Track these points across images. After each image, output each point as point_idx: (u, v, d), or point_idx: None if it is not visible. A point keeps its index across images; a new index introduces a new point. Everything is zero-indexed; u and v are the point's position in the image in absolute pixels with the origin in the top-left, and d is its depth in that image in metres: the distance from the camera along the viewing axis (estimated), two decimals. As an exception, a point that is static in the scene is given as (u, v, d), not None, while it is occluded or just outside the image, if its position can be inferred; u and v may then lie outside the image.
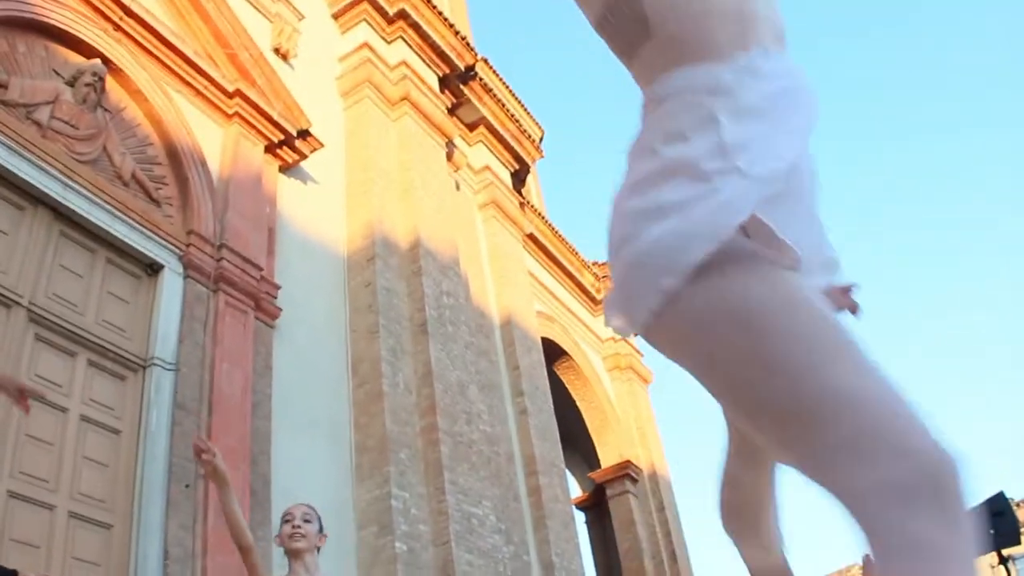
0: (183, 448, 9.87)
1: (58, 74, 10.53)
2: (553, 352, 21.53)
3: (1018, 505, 56.88)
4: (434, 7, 17.78)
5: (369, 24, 16.79)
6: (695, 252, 1.38)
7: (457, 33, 18.44)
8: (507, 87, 20.50)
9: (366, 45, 16.46)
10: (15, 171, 9.40)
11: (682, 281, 1.39)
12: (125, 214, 10.51)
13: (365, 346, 13.63)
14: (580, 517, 24.32)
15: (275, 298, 12.17)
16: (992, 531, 10.78)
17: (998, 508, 10.97)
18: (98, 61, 10.87)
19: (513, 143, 20.82)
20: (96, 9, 11.00)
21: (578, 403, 23.36)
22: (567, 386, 22.98)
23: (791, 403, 1.30)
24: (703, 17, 1.54)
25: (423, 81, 17.26)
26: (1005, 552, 11.47)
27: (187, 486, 9.76)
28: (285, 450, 11.55)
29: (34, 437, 8.74)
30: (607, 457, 23.48)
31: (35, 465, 8.65)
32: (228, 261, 11.37)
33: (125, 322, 10.28)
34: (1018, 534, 11.60)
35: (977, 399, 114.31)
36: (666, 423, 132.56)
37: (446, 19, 18.15)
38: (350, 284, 14.21)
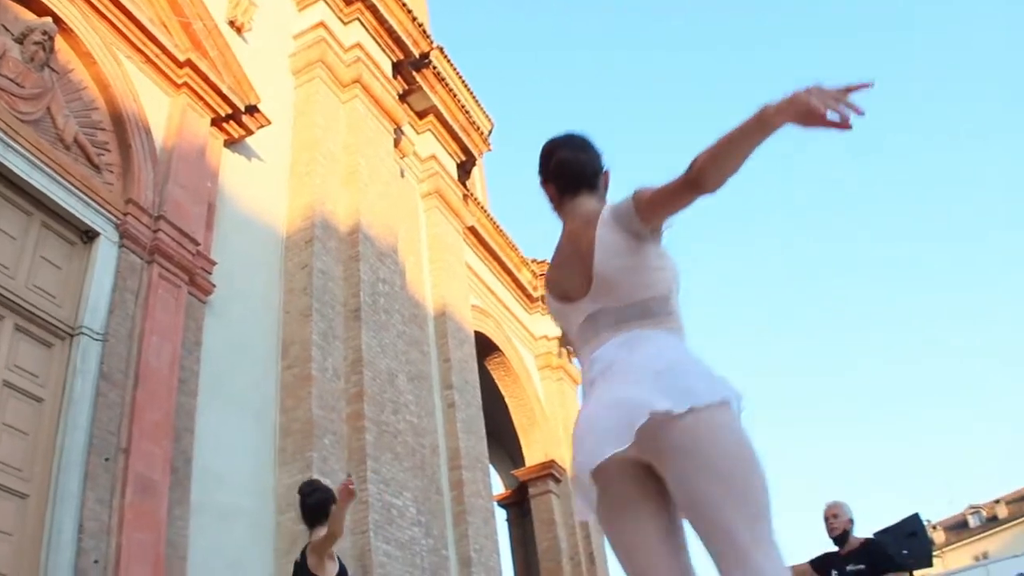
0: (106, 420, 9.71)
1: (7, 30, 10.26)
2: (485, 347, 21.57)
3: (934, 527, 58.34)
4: (393, -8, 17.71)
5: (327, 3, 16.66)
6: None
7: (415, 19, 18.37)
8: (460, 77, 20.48)
9: (322, 24, 16.33)
10: (-46, 126, 9.21)
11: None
12: (64, 178, 10.29)
13: (297, 328, 13.53)
14: (501, 514, 24.42)
15: (210, 274, 12.01)
16: (905, 552, 11.02)
17: (912, 529, 11.19)
18: (49, 19, 10.63)
19: (461, 134, 20.78)
20: (50, -35, 10.78)
21: (507, 400, 23.40)
22: (497, 382, 23.03)
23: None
24: None
25: (376, 65, 17.17)
26: (917, 574, 11.74)
27: (107, 459, 9.59)
28: (209, 428, 11.43)
29: (-48, 402, 8.59)
30: (532, 455, 23.56)
31: (-49, 430, 8.49)
32: (165, 233, 11.20)
33: (56, 288, 10.07)
34: (930, 556, 11.86)
35: (897, 422, 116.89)
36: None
37: (404, 4, 18.07)
38: (287, 265, 14.10)
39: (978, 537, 57.67)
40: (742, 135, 2.36)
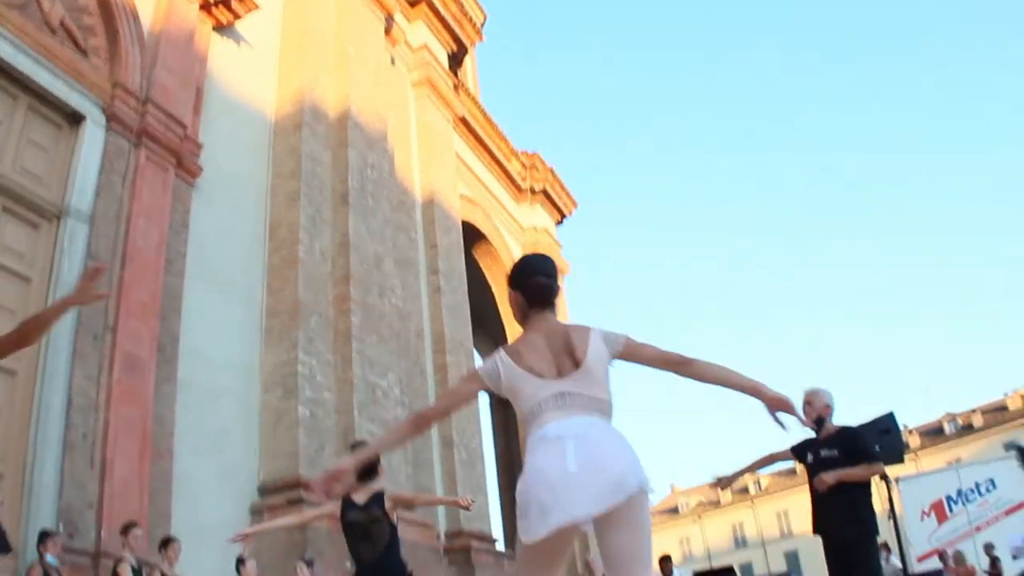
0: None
1: (-10, -88, 10.22)
2: (472, 235, 21.72)
3: (910, 432, 59.29)
4: None
5: None
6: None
7: (408, -97, 18.15)
8: (451, -36, 20.26)
9: (310, -92, 16.13)
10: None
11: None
12: (51, 62, 10.33)
13: (284, 212, 13.73)
14: (484, 398, 24.83)
15: (197, 157, 12.14)
16: (878, 448, 11.36)
17: (886, 427, 11.49)
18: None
19: (453, 24, 20.61)
20: None
21: (493, 288, 23.61)
22: (484, 270, 23.24)
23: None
24: None
25: (369, -50, 17.01)
26: (890, 473, 12.13)
27: (95, 337, 9.88)
28: (196, 309, 11.73)
29: (-61, 279, 8.80)
30: (515, 343, 23.82)
31: (-62, 307, 8.72)
32: (152, 116, 11.29)
33: (43, 170, 10.22)
34: (902, 454, 12.18)
35: (879, 326, 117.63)
36: (577, 318, 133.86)
37: None
38: (275, 149, 14.21)
39: (952, 444, 58.47)
40: (737, 380, 3.59)
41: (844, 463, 7.32)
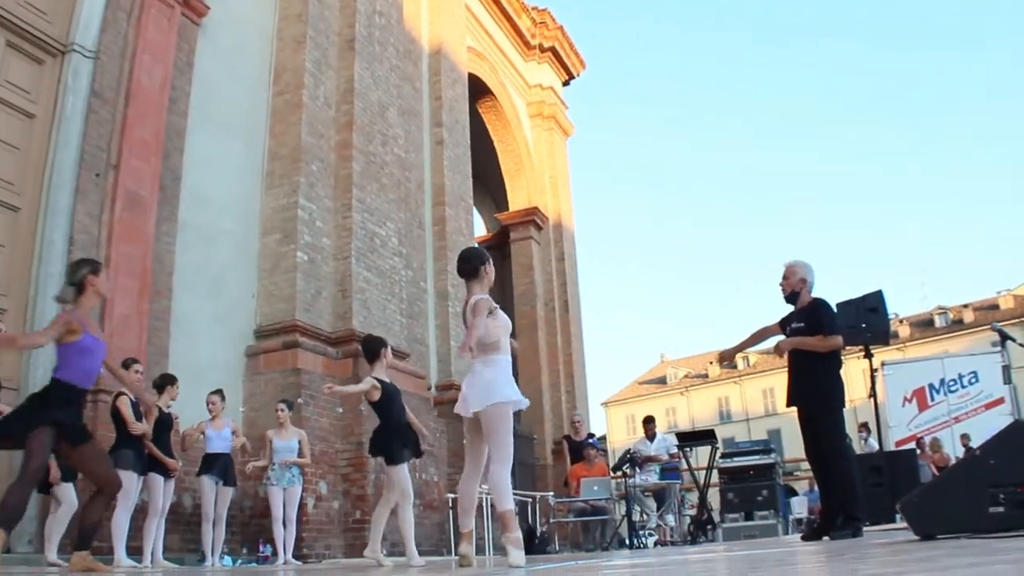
0: (96, 136, 9.93)
1: None
2: (478, 90, 21.46)
3: (900, 321, 59.75)
4: None
5: None
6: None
7: None
8: None
9: None
10: None
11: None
12: None
13: (290, 55, 13.55)
14: (478, 259, 24.88)
15: (203, -4, 11.92)
16: (864, 325, 11.43)
17: (873, 304, 11.51)
18: None
19: None
20: None
21: (496, 144, 23.47)
22: (487, 126, 23.04)
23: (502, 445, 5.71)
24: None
25: None
26: (876, 358, 12.22)
27: (97, 175, 9.89)
28: (198, 148, 11.70)
29: (-58, 114, 8.74)
30: (516, 201, 23.87)
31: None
32: (158, -50, 11.03)
33: (48, 5, 10.02)
34: (887, 335, 12.21)
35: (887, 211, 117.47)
36: (579, 178, 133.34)
37: None
38: (282, -9, 13.93)
39: (942, 337, 59.10)
40: None
41: (809, 334, 7.43)
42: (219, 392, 10.07)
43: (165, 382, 9.20)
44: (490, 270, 6.24)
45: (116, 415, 8.42)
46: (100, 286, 6.54)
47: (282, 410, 10.47)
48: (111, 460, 8.34)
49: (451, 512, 13.41)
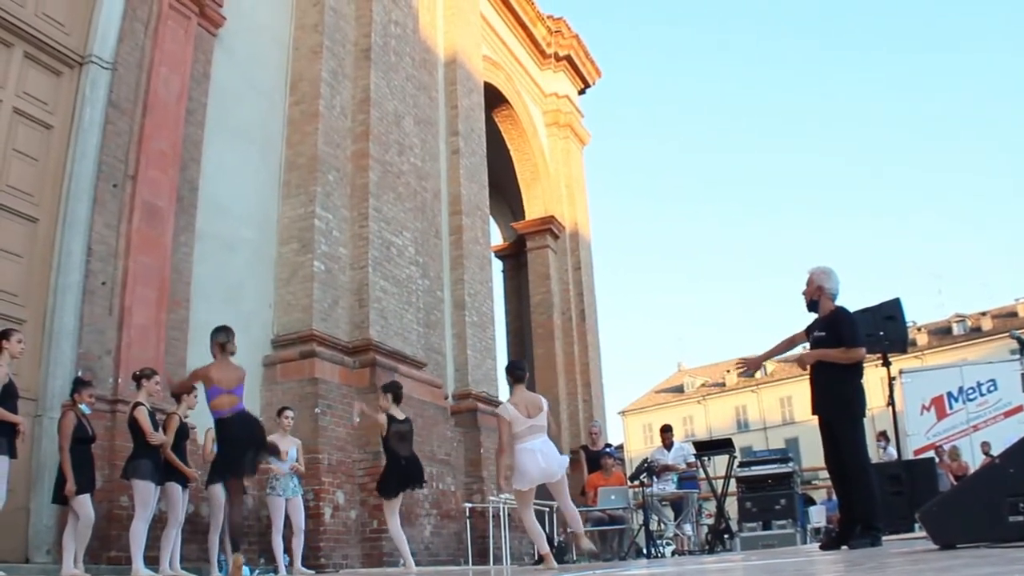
0: (114, 147, 9.99)
1: None
2: (494, 99, 21.47)
3: (919, 329, 59.45)
4: None
5: None
6: None
7: None
8: None
9: None
10: None
11: None
12: (71, -97, 10.05)
13: (306, 65, 13.62)
14: (498, 265, 24.97)
15: (220, 6, 11.94)
16: (882, 333, 11.38)
17: (891, 312, 11.47)
18: None
19: None
20: None
21: (512, 153, 23.46)
22: (503, 135, 23.04)
23: None
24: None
25: None
26: (894, 366, 12.16)
27: (115, 186, 9.94)
28: (216, 159, 11.75)
29: (-37, 128, 8.79)
30: (532, 210, 23.86)
31: (-37, 155, 8.74)
32: (175, -38, 11.07)
33: (65, 17, 10.07)
34: (905, 343, 12.16)
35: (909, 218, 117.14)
36: (595, 187, 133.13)
37: None
38: (298, 1, 13.99)
39: (960, 345, 58.80)
40: None
41: (830, 344, 7.40)
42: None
43: (183, 391, 9.24)
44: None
45: (134, 425, 8.45)
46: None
47: (288, 417, 10.52)
48: (129, 469, 8.41)
49: (468, 522, 13.41)
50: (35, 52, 9.66)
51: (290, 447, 10.50)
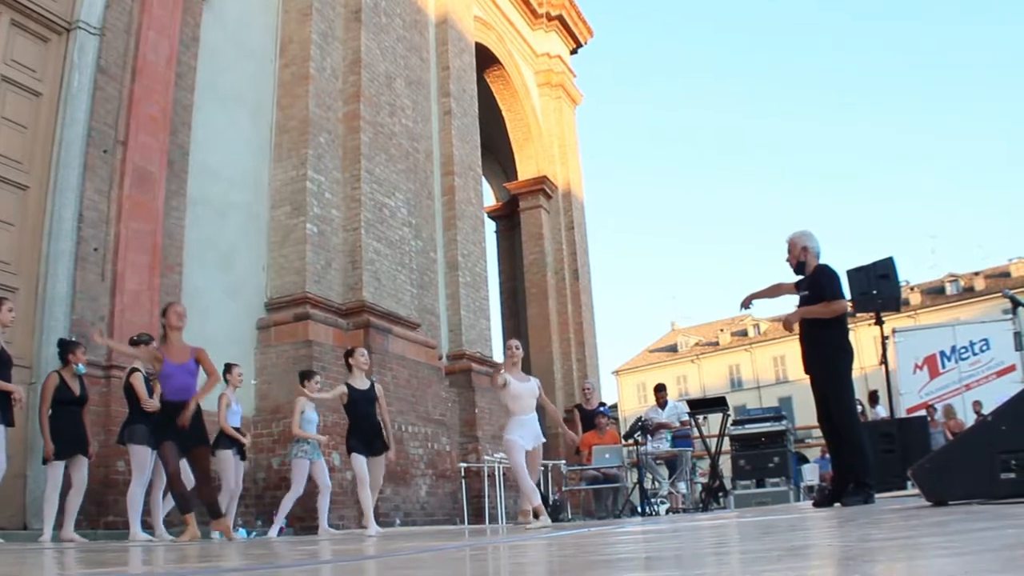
0: (104, 113, 9.92)
1: None
2: (485, 59, 21.31)
3: (911, 289, 59.52)
4: None
5: None
6: None
7: None
8: None
9: None
10: None
11: None
12: None
13: (296, 27, 13.51)
14: (491, 226, 24.90)
15: (208, -31, 11.85)
16: (875, 292, 11.39)
17: (884, 271, 11.47)
18: None
19: None
20: None
21: (504, 113, 23.31)
22: (495, 95, 22.90)
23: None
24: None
25: None
26: (888, 325, 12.18)
27: (105, 151, 9.89)
28: (206, 123, 11.68)
29: (-50, 96, 8.72)
30: (525, 170, 23.75)
31: (-49, 123, 8.69)
32: (162, -75, 10.95)
33: (51, -18, 9.95)
34: (898, 301, 12.17)
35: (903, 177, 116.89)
36: (588, 146, 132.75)
37: None
38: (287, -38, 13.85)
39: (953, 304, 58.86)
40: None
41: (814, 302, 7.42)
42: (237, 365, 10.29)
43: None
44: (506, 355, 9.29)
45: (129, 390, 8.45)
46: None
47: (318, 383, 10.55)
48: (125, 434, 8.43)
49: (463, 482, 13.50)
50: (22, 19, 9.57)
51: (316, 412, 10.56)
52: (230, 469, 9.65)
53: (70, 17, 10.02)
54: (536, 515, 8.49)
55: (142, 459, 8.41)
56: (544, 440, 9.01)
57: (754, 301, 8.03)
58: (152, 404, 8.48)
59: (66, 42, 9.99)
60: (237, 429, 9.89)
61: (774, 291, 8.10)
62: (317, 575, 3.35)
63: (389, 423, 10.04)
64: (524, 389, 8.83)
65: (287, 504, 10.22)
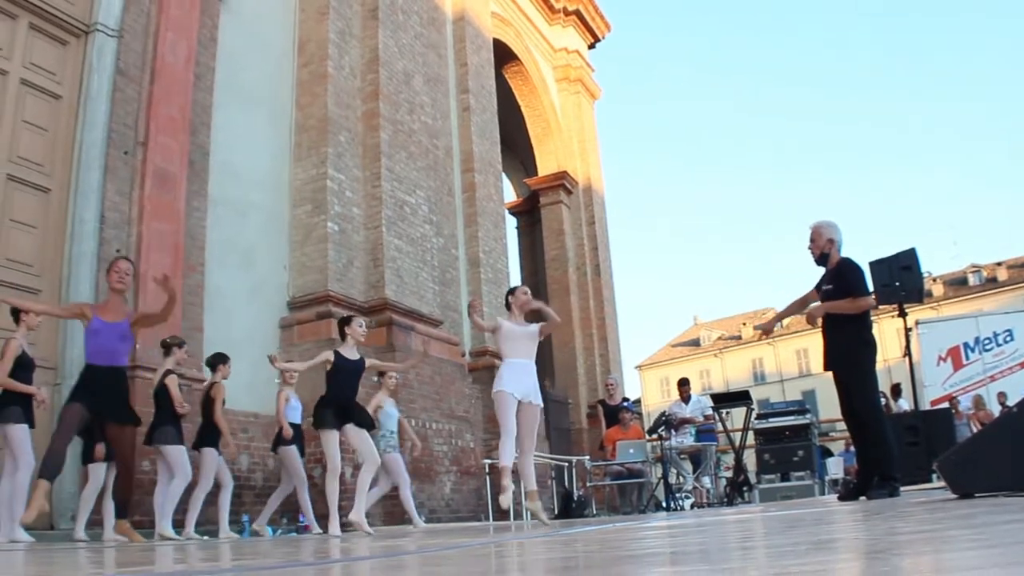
0: (123, 115, 9.96)
1: None
2: (503, 55, 21.28)
3: (934, 280, 59.06)
4: None
5: None
6: None
7: None
8: None
9: None
10: None
11: None
12: None
13: (313, 26, 13.53)
14: (512, 222, 24.89)
15: (226, -30, 11.88)
16: (898, 284, 11.31)
17: (906, 263, 11.37)
18: None
19: None
20: None
21: (523, 109, 23.29)
22: (514, 91, 22.88)
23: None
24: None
25: None
26: (910, 317, 12.10)
27: (126, 153, 9.93)
28: (226, 123, 11.71)
29: (-28, 101, 8.79)
30: (545, 166, 23.75)
31: (-27, 128, 8.75)
32: (179, -73, 10.98)
33: (69, -14, 10.00)
34: (921, 293, 12.07)
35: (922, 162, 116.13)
36: (608, 141, 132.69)
37: None
38: (304, -39, 13.87)
39: (976, 295, 58.28)
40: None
41: (838, 297, 7.33)
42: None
43: (217, 361, 9.31)
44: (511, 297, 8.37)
45: (163, 392, 8.51)
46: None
47: (393, 377, 10.58)
48: (157, 436, 8.48)
49: (487, 478, 13.49)
50: (40, 23, 9.63)
51: (394, 407, 10.69)
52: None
53: (88, 20, 10.07)
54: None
55: (179, 458, 8.52)
56: (541, 404, 8.14)
57: (778, 323, 7.99)
58: (185, 407, 8.57)
59: (84, 45, 10.04)
60: (296, 426, 9.94)
61: (798, 306, 7.96)
62: (351, 572, 3.34)
63: (401, 366, 10.22)
64: (520, 332, 8.06)
65: (374, 494, 10.28)
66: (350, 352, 8.98)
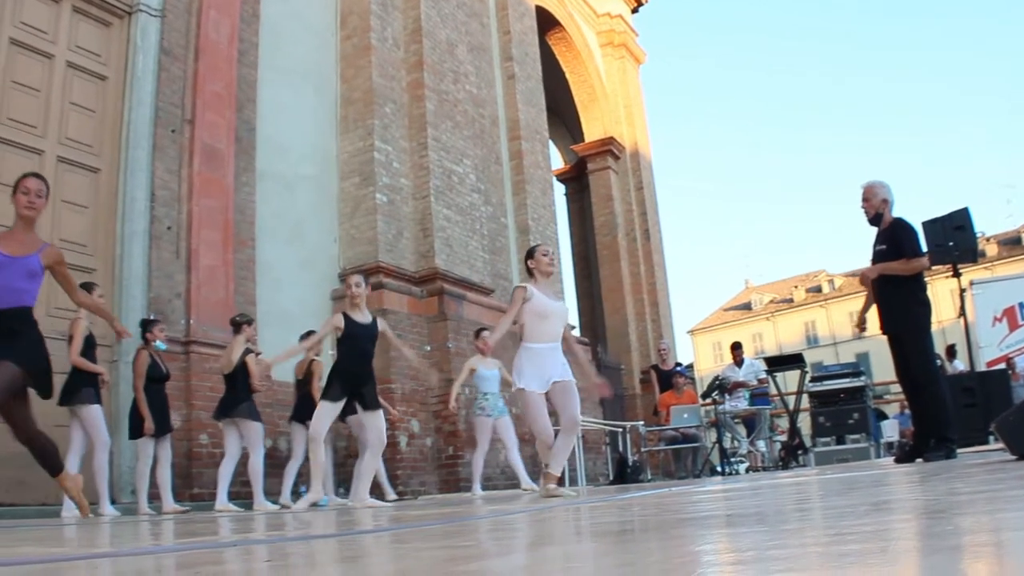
0: (169, 93, 10.04)
1: None
2: (546, 21, 21.12)
3: (987, 240, 57.94)
4: None
5: None
6: None
7: None
8: None
9: None
10: None
11: None
12: None
13: (355, -1, 13.54)
14: (560, 189, 24.79)
15: (266, -55, 11.89)
16: (951, 244, 11.13)
17: (959, 222, 11.18)
18: None
19: None
20: None
21: (567, 75, 23.12)
22: (557, 57, 22.71)
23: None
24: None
25: None
26: (964, 277, 11.88)
27: (173, 131, 10.02)
28: (271, 98, 11.76)
29: (20, 84, 8.93)
30: (591, 132, 23.58)
31: (23, 111, 8.91)
32: (217, -99, 10.98)
33: (110, -32, 10.07)
34: (975, 253, 11.85)
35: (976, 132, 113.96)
36: (653, 105, 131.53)
37: None
38: (343, -67, 13.84)
39: (1031, 254, 57.51)
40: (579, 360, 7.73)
41: (892, 258, 7.23)
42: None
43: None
44: (531, 262, 7.28)
45: (241, 371, 8.66)
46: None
47: (484, 338, 10.65)
48: (234, 411, 8.63)
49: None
50: (83, 5, 9.71)
51: (494, 367, 10.82)
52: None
53: (131, 0, 10.14)
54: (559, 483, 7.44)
55: (256, 434, 8.75)
56: (572, 378, 7.00)
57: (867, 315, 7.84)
58: (261, 385, 8.76)
59: (128, 25, 10.12)
60: None
61: (874, 292, 7.82)
62: (425, 534, 3.36)
63: (410, 354, 9.05)
64: (553, 307, 7.05)
65: (476, 462, 10.59)
66: (361, 315, 8.20)
